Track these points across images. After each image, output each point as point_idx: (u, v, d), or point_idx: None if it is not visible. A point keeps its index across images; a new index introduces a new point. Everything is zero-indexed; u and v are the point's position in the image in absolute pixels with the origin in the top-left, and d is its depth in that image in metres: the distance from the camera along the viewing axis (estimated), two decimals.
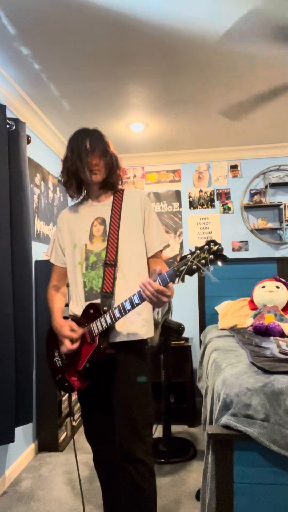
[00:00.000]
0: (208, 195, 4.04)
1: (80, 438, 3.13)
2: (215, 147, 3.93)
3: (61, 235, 1.77)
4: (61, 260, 1.78)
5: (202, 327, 3.72)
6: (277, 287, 3.19)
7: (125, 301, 1.46)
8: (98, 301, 1.58)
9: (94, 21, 2.02)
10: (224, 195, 4.02)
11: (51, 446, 2.92)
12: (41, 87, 2.67)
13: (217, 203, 4.02)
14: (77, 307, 1.66)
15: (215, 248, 1.26)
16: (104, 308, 1.54)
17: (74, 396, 3.20)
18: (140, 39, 2.18)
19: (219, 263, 1.27)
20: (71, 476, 2.55)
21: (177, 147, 3.91)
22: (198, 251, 1.29)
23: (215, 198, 4.03)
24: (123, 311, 1.46)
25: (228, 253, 3.95)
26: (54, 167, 3.51)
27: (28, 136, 2.54)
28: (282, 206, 3.79)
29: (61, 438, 3.00)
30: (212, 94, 2.83)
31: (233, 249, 3.95)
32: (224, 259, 1.27)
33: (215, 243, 1.27)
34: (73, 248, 1.71)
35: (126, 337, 1.57)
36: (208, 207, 4.03)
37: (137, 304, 1.44)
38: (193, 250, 1.32)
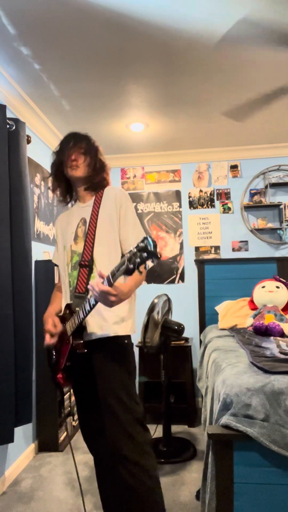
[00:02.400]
0: (208, 195, 4.04)
1: (80, 438, 3.13)
2: (215, 147, 3.93)
3: (57, 239, 1.86)
4: None
5: (202, 327, 3.72)
6: (277, 287, 3.19)
7: (85, 301, 1.48)
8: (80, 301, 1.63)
9: (94, 21, 2.02)
10: (224, 195, 4.02)
11: (51, 446, 2.92)
12: (41, 87, 2.67)
13: (217, 203, 4.02)
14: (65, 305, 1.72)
15: (148, 249, 1.20)
16: (76, 309, 1.57)
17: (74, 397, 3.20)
18: (140, 39, 2.18)
19: (151, 262, 1.22)
20: (71, 476, 2.55)
21: (177, 147, 3.91)
22: (135, 250, 1.24)
23: (215, 198, 4.03)
24: (84, 312, 1.49)
25: (228, 253, 3.95)
26: None
27: (28, 136, 2.54)
28: (282, 206, 3.79)
29: (61, 438, 3.00)
30: (212, 94, 2.84)
31: (233, 249, 3.95)
32: (156, 257, 1.20)
33: (149, 241, 1.21)
34: (63, 249, 1.78)
35: (99, 334, 1.59)
36: (208, 207, 4.03)
37: (93, 305, 1.45)
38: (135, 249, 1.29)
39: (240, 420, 1.55)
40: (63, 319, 1.67)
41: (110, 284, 1.33)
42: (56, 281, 3.00)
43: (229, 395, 1.60)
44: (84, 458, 2.75)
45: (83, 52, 2.29)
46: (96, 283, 1.34)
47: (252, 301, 3.32)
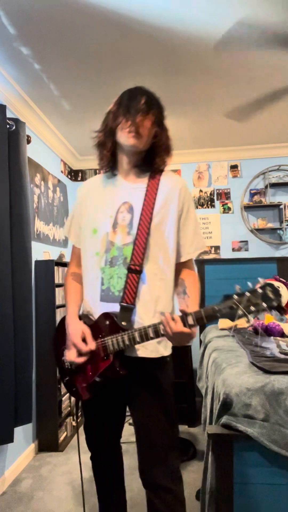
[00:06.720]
0: (208, 195, 4.04)
1: (80, 438, 3.12)
2: (215, 147, 3.93)
3: (80, 212, 1.48)
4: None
5: (202, 327, 3.72)
6: (277, 287, 3.18)
7: (149, 326, 1.24)
8: (114, 305, 1.34)
9: (94, 21, 2.02)
10: (224, 195, 4.02)
11: (51, 446, 2.92)
12: (41, 87, 2.67)
13: (217, 203, 4.02)
14: (91, 305, 1.42)
15: (274, 301, 1.03)
16: (123, 323, 1.30)
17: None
18: (140, 39, 2.18)
19: (273, 314, 1.09)
20: (71, 476, 2.54)
21: (177, 147, 3.89)
22: (249, 294, 1.05)
23: (215, 198, 4.03)
24: (145, 337, 1.25)
25: (228, 253, 3.95)
26: (54, 167, 3.50)
27: (28, 136, 2.54)
28: (282, 206, 3.79)
29: (61, 438, 3.00)
30: (212, 94, 2.83)
31: (233, 249, 3.95)
32: (284, 312, 1.05)
33: (273, 290, 1.04)
34: (91, 232, 1.41)
35: (142, 352, 1.34)
36: (208, 207, 4.03)
37: (162, 335, 1.23)
38: (241, 289, 1.11)
39: (240, 420, 1.55)
40: (98, 329, 1.36)
41: (199, 324, 1.16)
42: (56, 280, 3.00)
43: (229, 395, 1.60)
44: (83, 458, 2.74)
45: (83, 52, 2.29)
46: (176, 320, 1.16)
47: None
